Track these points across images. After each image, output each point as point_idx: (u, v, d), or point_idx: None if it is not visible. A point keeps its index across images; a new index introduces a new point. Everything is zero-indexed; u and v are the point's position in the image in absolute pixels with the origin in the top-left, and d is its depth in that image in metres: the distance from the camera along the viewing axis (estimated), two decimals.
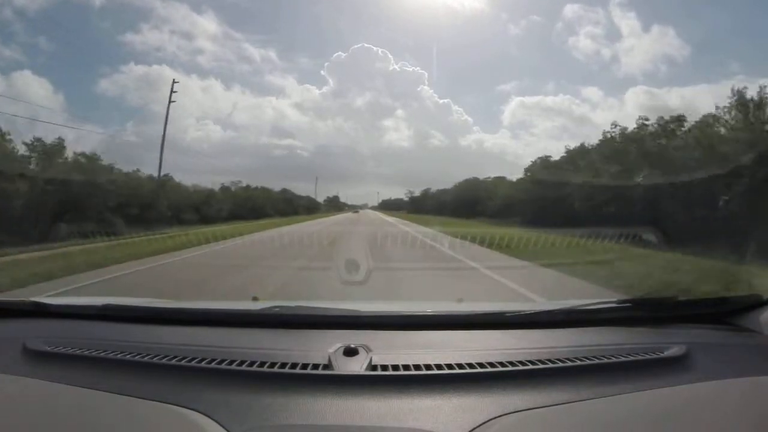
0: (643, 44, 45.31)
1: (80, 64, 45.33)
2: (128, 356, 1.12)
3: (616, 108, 42.36)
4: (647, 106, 39.81)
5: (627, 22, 51.15)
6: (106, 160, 21.64)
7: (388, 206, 69.34)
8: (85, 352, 1.16)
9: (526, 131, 58.67)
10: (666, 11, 49.71)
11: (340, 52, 61.46)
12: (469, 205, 32.63)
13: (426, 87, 55.36)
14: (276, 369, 1.03)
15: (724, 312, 1.41)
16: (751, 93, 14.33)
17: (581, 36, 53.14)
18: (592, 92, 50.79)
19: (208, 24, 53.08)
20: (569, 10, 49.67)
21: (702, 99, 41.67)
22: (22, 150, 18.67)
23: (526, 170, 27.74)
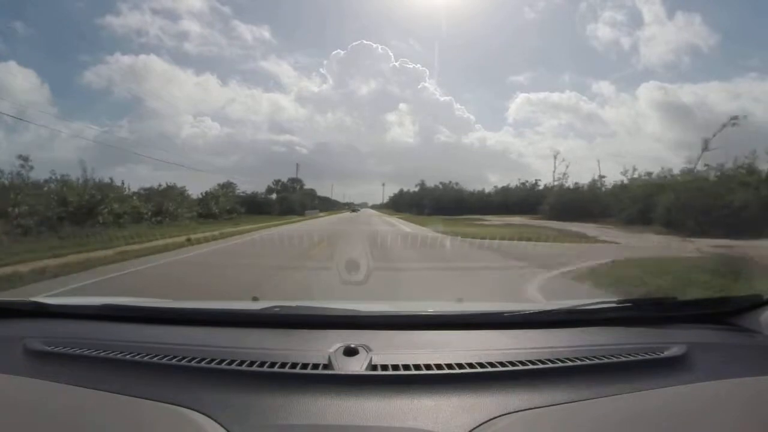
0: (664, 34, 44.30)
1: (62, 55, 43.05)
2: (128, 356, 1.12)
3: (628, 104, 41.08)
4: (660, 102, 39.10)
5: (649, 7, 49.31)
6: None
7: (401, 206, 51.93)
8: (85, 352, 1.17)
9: (530, 129, 57.86)
10: (683, 3, 48.82)
11: (339, 50, 60.21)
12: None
13: (427, 84, 53.97)
14: (276, 369, 1.03)
15: (724, 312, 1.41)
16: None
17: (600, 23, 51.17)
18: (604, 87, 49.45)
19: (206, 12, 51.16)
20: None
21: (714, 97, 41.19)
22: None
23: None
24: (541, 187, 42.46)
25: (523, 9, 53.55)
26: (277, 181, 48.76)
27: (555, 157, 37.44)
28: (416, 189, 53.07)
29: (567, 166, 37.24)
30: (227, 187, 37.34)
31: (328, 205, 58.62)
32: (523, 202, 38.96)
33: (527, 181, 45.20)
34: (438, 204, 42.68)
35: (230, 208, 31.21)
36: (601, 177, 32.77)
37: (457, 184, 49.90)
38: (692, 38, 46.35)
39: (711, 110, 38.54)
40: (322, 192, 59.92)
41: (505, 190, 45.69)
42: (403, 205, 52.53)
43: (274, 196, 45.75)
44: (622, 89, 53.94)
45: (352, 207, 60.69)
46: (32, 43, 35.93)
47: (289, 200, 45.42)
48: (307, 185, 51.93)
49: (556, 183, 36.81)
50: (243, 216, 31.58)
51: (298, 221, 30.33)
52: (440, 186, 50.47)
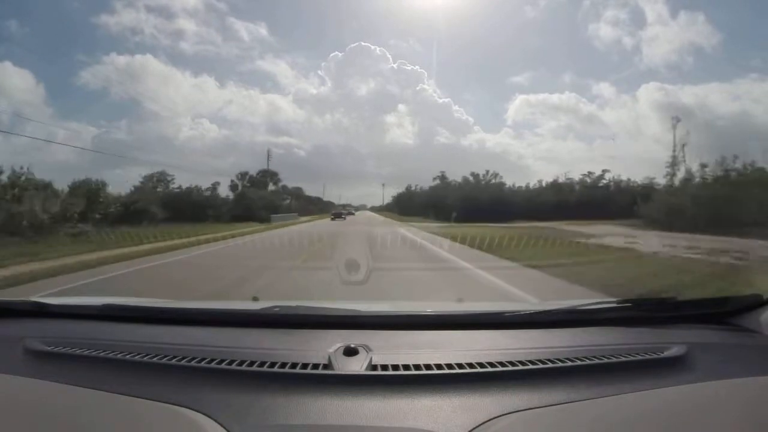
0: (665, 33, 43.73)
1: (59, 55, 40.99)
2: (128, 356, 1.12)
3: (628, 106, 39.88)
4: (661, 103, 37.38)
5: (651, 7, 48.64)
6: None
7: (408, 208, 38.38)
8: (85, 352, 1.17)
9: (530, 131, 57.53)
10: (685, 2, 48.18)
11: (337, 51, 59.25)
12: None
13: (426, 86, 52.82)
14: (276, 369, 1.03)
15: (724, 312, 1.41)
16: None
17: (601, 23, 50.82)
18: (604, 88, 48.78)
19: (201, 9, 49.26)
20: None
21: (715, 98, 39.89)
22: None
23: None
24: (606, 181, 33.39)
25: (522, 8, 53.42)
26: (243, 174, 35.85)
27: (674, 126, 24.00)
28: (434, 184, 39.30)
29: (683, 146, 23.11)
30: (161, 180, 28.52)
31: (321, 207, 48.61)
32: (589, 201, 29.29)
33: (589, 174, 35.05)
34: (468, 205, 29.40)
35: (106, 212, 19.79)
36: (703, 167, 22.11)
37: (496, 176, 35.90)
38: (694, 38, 46.21)
39: (711, 111, 37.65)
40: (321, 194, 53.76)
41: (557, 186, 34.59)
42: (412, 207, 38.74)
43: (230, 194, 32.93)
44: (622, 90, 53.56)
45: (338, 210, 37.69)
46: (27, 43, 34.74)
47: (249, 199, 31.46)
48: (303, 187, 44.54)
49: (669, 170, 23.94)
50: (149, 225, 19.43)
51: (202, 243, 14.04)
52: (471, 179, 36.55)
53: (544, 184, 36.19)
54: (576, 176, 35.97)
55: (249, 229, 21.77)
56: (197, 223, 22.07)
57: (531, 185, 36.82)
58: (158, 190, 28.40)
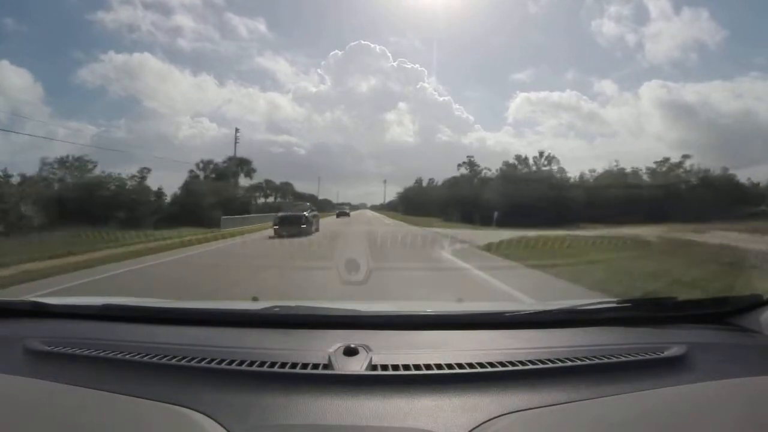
0: (669, 30, 42.95)
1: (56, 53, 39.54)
2: (128, 356, 1.12)
3: (630, 103, 38.62)
4: (663, 100, 35.97)
5: (655, 3, 47.74)
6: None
7: (416, 208, 29.96)
8: (85, 352, 1.17)
9: (530, 129, 56.67)
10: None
11: (336, 50, 58.29)
12: None
13: (426, 84, 51.75)
14: (276, 369, 1.03)
15: (724, 312, 1.41)
16: None
17: (604, 18, 50.21)
18: (606, 85, 47.95)
19: (199, 5, 48.20)
20: None
21: (717, 96, 39.42)
22: None
23: None
24: (683, 170, 24.06)
25: (524, 5, 52.73)
26: (206, 163, 26.88)
27: None
28: (458, 174, 28.77)
29: None
30: (78, 166, 19.84)
31: (317, 206, 41.81)
32: (671, 197, 21.69)
33: (664, 161, 24.63)
34: (509, 202, 20.96)
35: None
36: None
37: (551, 160, 25.37)
38: (697, 35, 45.75)
39: (714, 109, 36.45)
40: (316, 192, 52.09)
41: (621, 176, 24.71)
42: (424, 205, 29.54)
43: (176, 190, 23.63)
44: (624, 88, 53.06)
45: (290, 211, 16.53)
46: (24, 41, 33.96)
47: (197, 195, 22.32)
48: (303, 186, 38.22)
49: None
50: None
51: None
52: (517, 165, 26.09)
53: (596, 173, 26.67)
54: (641, 165, 26.92)
55: (123, 251, 10.72)
56: (97, 229, 13.99)
57: (584, 175, 26.76)
58: (69, 181, 20.13)
